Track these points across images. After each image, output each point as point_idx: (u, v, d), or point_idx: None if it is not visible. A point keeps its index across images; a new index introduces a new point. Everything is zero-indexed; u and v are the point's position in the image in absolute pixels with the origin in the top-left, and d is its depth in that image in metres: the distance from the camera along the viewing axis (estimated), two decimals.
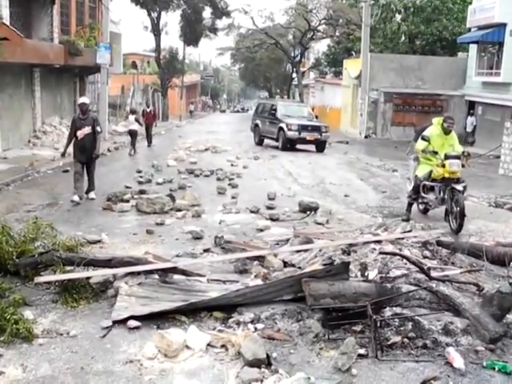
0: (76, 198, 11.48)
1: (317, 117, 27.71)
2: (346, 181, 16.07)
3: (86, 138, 11.61)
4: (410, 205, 11.00)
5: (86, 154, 11.72)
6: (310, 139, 24.09)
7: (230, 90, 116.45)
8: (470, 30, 29.94)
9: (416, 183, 10.66)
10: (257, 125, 26.90)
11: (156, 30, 43.84)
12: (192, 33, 45.60)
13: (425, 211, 11.21)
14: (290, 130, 23.74)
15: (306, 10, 45.21)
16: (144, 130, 24.18)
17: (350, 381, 4.39)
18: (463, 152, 10.36)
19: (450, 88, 31.15)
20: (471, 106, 29.87)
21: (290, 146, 24.26)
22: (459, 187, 9.77)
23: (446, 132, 10.30)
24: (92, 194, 12.00)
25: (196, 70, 77.06)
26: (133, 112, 23.30)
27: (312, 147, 24.55)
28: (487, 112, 27.67)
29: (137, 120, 22.19)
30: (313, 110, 32.59)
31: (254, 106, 34.37)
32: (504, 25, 25.34)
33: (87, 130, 11.60)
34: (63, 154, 12.14)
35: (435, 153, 10.15)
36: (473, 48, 29.81)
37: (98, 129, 11.81)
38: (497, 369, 4.63)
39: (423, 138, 10.19)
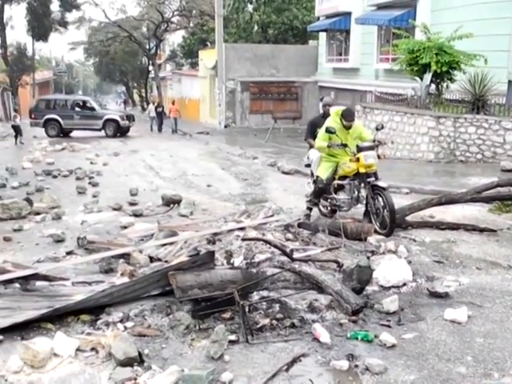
0: None
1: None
2: (208, 171, 16.14)
3: None
4: (309, 210, 9.37)
5: None
6: (131, 126, 29.46)
7: (85, 86, 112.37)
8: (318, 18, 31.11)
9: (318, 186, 8.95)
10: (53, 119, 28.34)
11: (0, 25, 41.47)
12: (40, 27, 43.55)
13: (332, 213, 9.24)
14: (123, 119, 28.77)
15: (158, 2, 44.73)
16: None
17: (223, 367, 4.42)
18: (373, 140, 8.65)
19: (303, 75, 32.24)
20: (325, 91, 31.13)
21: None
22: (382, 184, 8.22)
23: (346, 127, 8.52)
24: None
25: (48, 66, 73.58)
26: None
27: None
28: (339, 96, 28.91)
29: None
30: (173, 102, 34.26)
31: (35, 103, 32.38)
32: (349, 13, 26.56)
33: None
34: None
35: (344, 145, 8.42)
36: (322, 36, 31.02)
37: None
38: (360, 338, 4.88)
39: (328, 131, 8.31)
